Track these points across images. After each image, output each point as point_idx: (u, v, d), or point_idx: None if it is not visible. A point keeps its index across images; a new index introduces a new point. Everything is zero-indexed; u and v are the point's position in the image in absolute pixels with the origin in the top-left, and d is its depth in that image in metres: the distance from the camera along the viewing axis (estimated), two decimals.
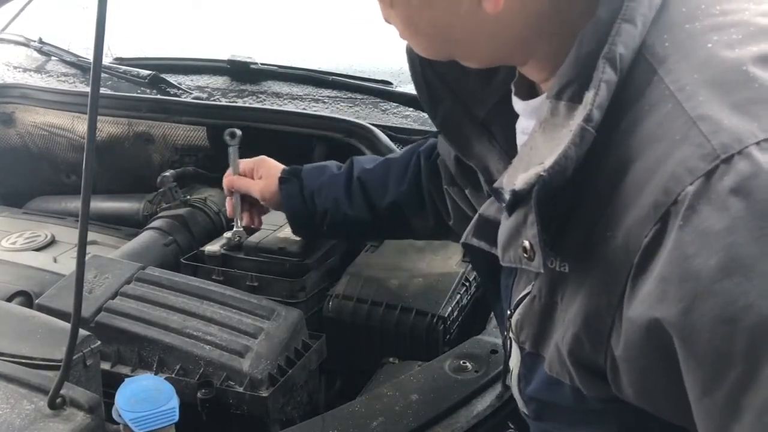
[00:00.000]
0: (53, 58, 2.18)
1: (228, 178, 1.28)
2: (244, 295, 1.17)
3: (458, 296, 1.26)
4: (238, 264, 1.30)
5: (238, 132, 1.31)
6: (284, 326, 1.10)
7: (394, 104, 1.85)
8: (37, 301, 1.13)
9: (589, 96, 0.54)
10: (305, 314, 1.18)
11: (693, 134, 0.50)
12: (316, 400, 1.16)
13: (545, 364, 0.65)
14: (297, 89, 1.98)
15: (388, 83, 1.96)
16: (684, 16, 0.56)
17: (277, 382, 1.02)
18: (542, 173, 0.54)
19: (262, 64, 2.07)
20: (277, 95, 1.94)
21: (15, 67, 2.17)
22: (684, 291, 0.48)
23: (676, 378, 0.51)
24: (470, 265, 1.33)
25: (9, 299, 1.20)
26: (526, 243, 0.58)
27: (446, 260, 1.35)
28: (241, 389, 1.01)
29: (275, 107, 1.81)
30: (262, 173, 1.25)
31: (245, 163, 1.28)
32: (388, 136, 1.57)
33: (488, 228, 0.69)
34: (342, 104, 1.87)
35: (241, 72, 2.06)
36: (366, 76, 2.02)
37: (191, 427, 0.99)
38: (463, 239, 0.74)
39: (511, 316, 0.69)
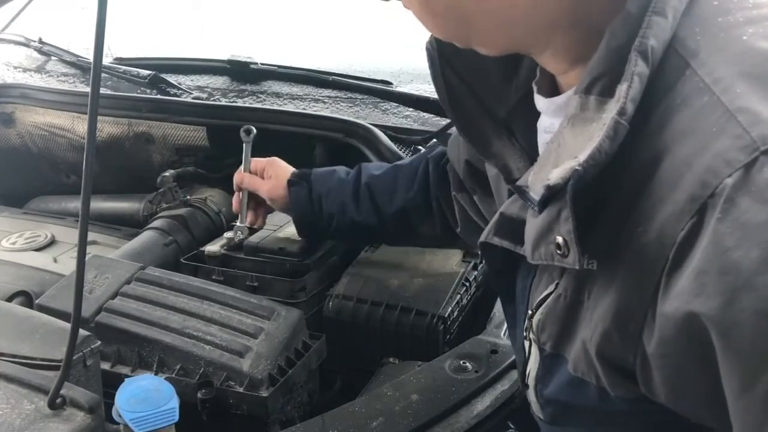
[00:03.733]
0: (53, 58, 2.18)
1: (239, 175, 1.30)
2: (244, 295, 1.17)
3: (458, 296, 1.26)
4: (239, 264, 1.30)
5: (254, 129, 1.32)
6: (284, 326, 1.10)
7: (394, 104, 1.85)
8: (37, 301, 1.13)
9: (622, 89, 0.53)
10: (305, 314, 1.18)
11: (731, 126, 0.49)
12: (316, 400, 1.16)
13: (569, 364, 0.64)
14: (297, 89, 1.98)
15: (388, 83, 1.96)
16: (716, 9, 0.56)
17: (277, 382, 1.02)
18: (577, 167, 0.53)
19: (262, 64, 2.07)
20: (277, 95, 1.94)
21: (15, 67, 2.17)
22: (723, 284, 0.47)
23: (711, 375, 0.50)
24: (470, 266, 1.33)
25: (9, 299, 1.20)
26: (560, 239, 0.57)
27: (446, 260, 1.35)
28: (241, 389, 1.01)
29: (275, 107, 1.81)
30: (271, 174, 1.26)
31: (257, 162, 1.29)
32: (388, 136, 1.57)
33: (512, 226, 0.68)
34: (342, 104, 1.87)
35: (241, 72, 2.07)
36: (366, 76, 2.02)
37: (191, 427, 0.99)
38: (482, 238, 0.73)
39: (532, 316, 0.68)
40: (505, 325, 1.15)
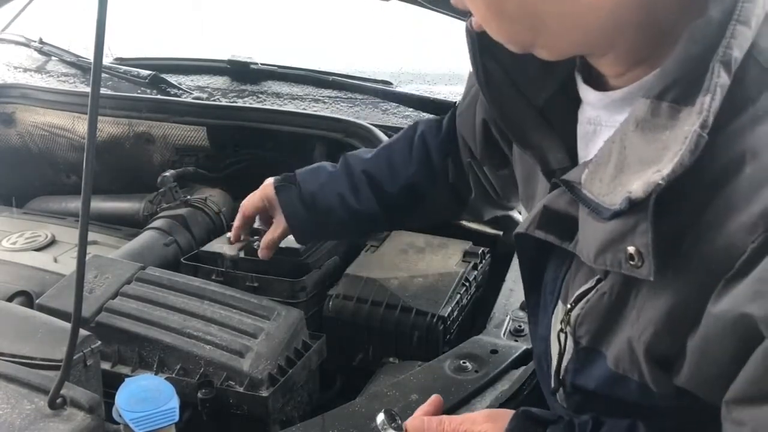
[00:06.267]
0: (53, 58, 2.18)
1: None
2: (245, 295, 1.17)
3: (458, 296, 1.26)
4: (239, 264, 1.29)
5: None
6: (284, 326, 1.10)
7: (394, 104, 1.85)
8: (37, 301, 1.13)
9: (705, 101, 0.53)
10: (305, 314, 1.18)
11: None
12: (316, 400, 1.16)
13: (609, 360, 0.65)
14: (297, 89, 1.98)
15: (388, 83, 1.96)
16: None
17: (278, 382, 1.02)
18: (660, 181, 0.53)
19: (262, 64, 2.07)
20: (277, 95, 1.94)
21: (15, 67, 2.17)
22: None
23: (738, 366, 0.53)
24: (470, 266, 1.33)
25: (9, 299, 1.20)
26: (632, 249, 0.56)
27: (446, 260, 1.35)
28: (241, 389, 1.01)
29: (275, 107, 1.81)
30: (272, 214, 1.22)
31: (250, 216, 1.23)
32: (388, 136, 1.57)
33: (558, 221, 0.67)
34: (342, 104, 1.87)
35: (241, 72, 2.07)
36: (366, 76, 2.03)
37: (191, 427, 0.99)
38: (522, 230, 0.71)
39: (570, 310, 0.68)
40: (506, 325, 1.15)
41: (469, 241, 1.41)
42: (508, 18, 0.61)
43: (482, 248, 1.38)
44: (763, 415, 0.51)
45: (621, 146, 0.59)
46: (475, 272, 1.33)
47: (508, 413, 0.73)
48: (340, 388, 1.25)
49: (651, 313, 0.59)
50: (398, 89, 1.91)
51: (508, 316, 1.17)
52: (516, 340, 1.10)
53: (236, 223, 1.26)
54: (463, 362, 1.03)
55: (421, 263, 1.35)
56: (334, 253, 1.38)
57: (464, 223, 1.49)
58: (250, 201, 1.22)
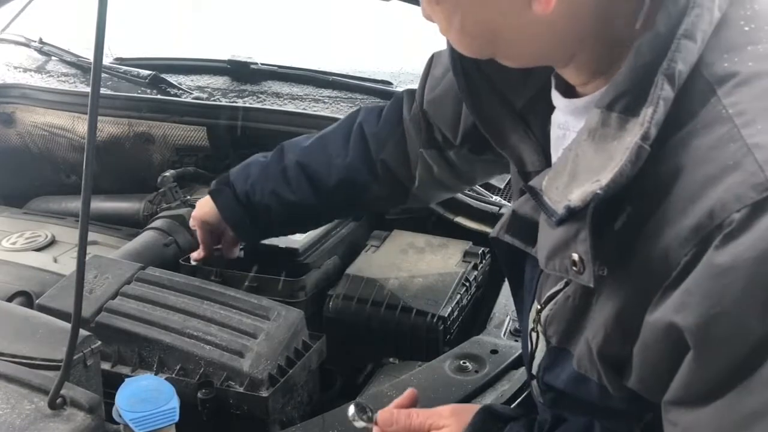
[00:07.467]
0: (53, 58, 2.18)
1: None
2: (244, 295, 1.17)
3: (458, 296, 1.26)
4: (238, 264, 1.29)
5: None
6: (284, 326, 1.10)
7: None
8: (37, 301, 1.13)
9: (647, 113, 0.54)
10: (305, 314, 1.18)
11: (747, 162, 0.50)
12: (316, 400, 1.16)
13: (574, 361, 0.67)
14: (297, 89, 1.98)
15: (388, 83, 1.96)
16: (746, 37, 0.56)
17: (278, 383, 1.02)
18: (598, 191, 0.54)
19: (262, 64, 2.07)
20: (277, 95, 1.94)
21: (15, 67, 2.16)
22: (705, 306, 0.51)
23: (673, 368, 0.56)
24: (470, 266, 1.33)
25: (9, 299, 1.20)
26: (576, 256, 0.58)
27: (446, 260, 1.35)
28: (241, 389, 1.01)
29: (275, 107, 1.81)
30: (220, 231, 1.25)
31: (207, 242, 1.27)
32: None
33: (524, 226, 0.70)
34: (342, 104, 1.87)
35: (241, 72, 2.06)
36: (366, 76, 2.03)
37: (191, 427, 0.99)
38: (494, 234, 0.74)
39: (541, 310, 0.70)
40: (506, 326, 1.15)
41: (469, 241, 1.41)
42: (468, 32, 0.63)
43: (482, 248, 1.38)
44: (693, 418, 0.54)
45: (575, 154, 0.60)
46: (476, 272, 1.33)
47: (472, 408, 0.76)
48: (340, 388, 1.25)
49: (602, 318, 0.61)
50: (398, 89, 1.91)
51: (508, 316, 1.17)
52: (516, 340, 1.11)
53: (197, 255, 1.28)
54: (463, 362, 1.03)
55: (421, 263, 1.35)
56: (334, 253, 1.38)
57: (464, 223, 1.49)
58: (202, 217, 1.23)
